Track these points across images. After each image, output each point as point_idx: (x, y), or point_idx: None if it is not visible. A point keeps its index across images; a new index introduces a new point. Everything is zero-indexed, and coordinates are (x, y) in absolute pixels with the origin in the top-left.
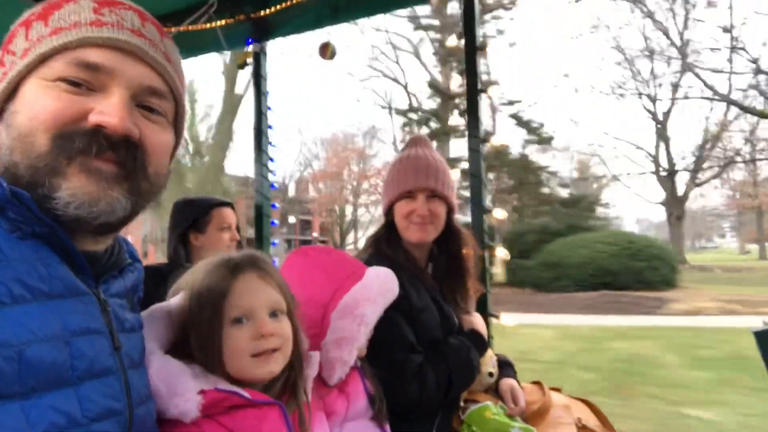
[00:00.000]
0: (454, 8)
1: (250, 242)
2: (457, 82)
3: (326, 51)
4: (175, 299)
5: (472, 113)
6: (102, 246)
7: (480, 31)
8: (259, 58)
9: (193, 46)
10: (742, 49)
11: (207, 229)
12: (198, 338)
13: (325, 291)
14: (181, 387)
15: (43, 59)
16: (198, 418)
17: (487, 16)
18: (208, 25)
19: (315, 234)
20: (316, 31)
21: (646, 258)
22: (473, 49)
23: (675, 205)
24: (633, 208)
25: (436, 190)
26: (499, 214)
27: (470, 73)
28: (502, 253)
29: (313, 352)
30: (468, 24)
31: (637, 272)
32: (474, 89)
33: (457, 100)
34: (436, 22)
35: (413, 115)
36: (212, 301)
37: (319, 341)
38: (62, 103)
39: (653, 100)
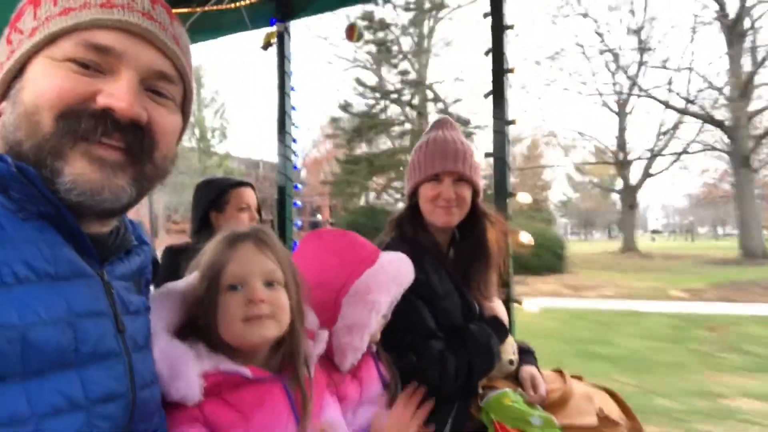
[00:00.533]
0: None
1: (270, 225)
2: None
3: (353, 33)
4: (188, 278)
5: (497, 95)
6: (107, 228)
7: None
8: (283, 38)
9: (218, 26)
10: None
11: (226, 208)
12: (200, 309)
13: (339, 276)
14: (183, 371)
15: (52, 39)
16: (200, 399)
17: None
18: (232, 5)
19: (320, 216)
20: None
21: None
22: (500, 28)
23: (629, 194)
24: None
25: (463, 174)
26: (525, 197)
27: (496, 53)
28: (526, 237)
29: (321, 330)
30: (495, 2)
31: (520, 259)
32: (500, 70)
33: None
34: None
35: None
36: (212, 272)
37: (330, 326)
38: (70, 83)
39: (617, 93)
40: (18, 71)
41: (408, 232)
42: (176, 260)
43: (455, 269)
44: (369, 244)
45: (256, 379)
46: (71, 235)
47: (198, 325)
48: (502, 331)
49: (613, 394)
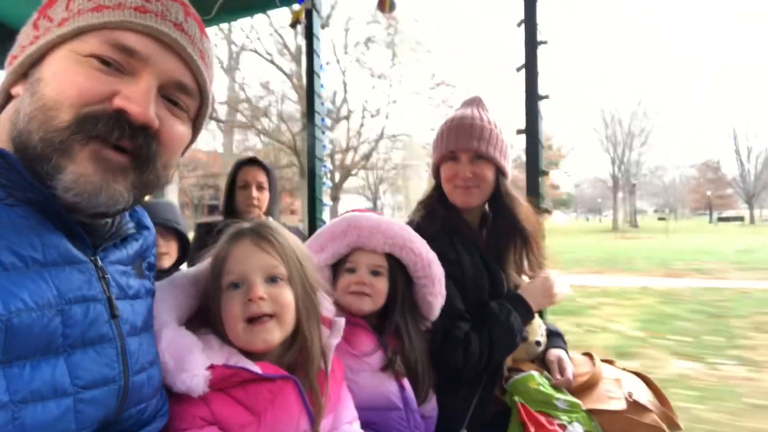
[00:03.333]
0: None
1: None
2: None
3: (384, 4)
4: (199, 264)
5: (529, 68)
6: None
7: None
8: (311, 15)
9: (247, 5)
10: None
11: (235, 189)
12: (209, 305)
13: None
14: (189, 363)
15: (79, 32)
16: (207, 393)
17: None
18: None
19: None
20: None
21: None
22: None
23: None
24: None
25: (479, 151)
26: (557, 176)
27: (528, 24)
28: (560, 218)
29: (338, 318)
30: None
31: None
32: (533, 42)
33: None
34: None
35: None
36: (215, 270)
37: None
38: (91, 82)
39: None
40: (39, 57)
41: (436, 210)
42: (205, 237)
43: (488, 249)
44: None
45: (267, 376)
46: (61, 221)
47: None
48: (526, 310)
49: (646, 379)
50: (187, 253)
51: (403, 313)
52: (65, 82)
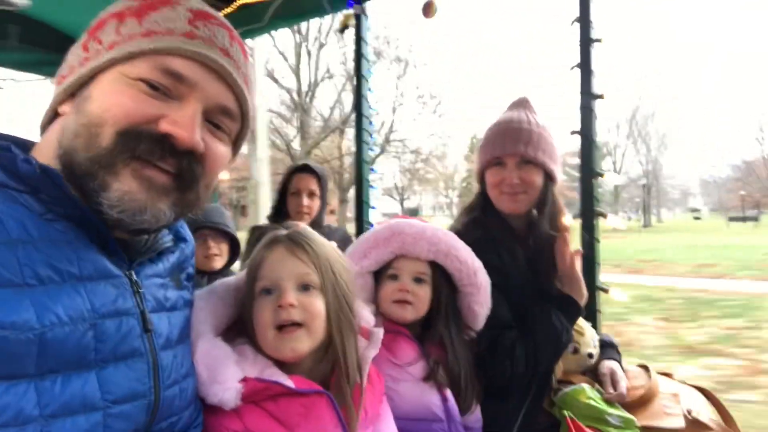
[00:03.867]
0: None
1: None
2: None
3: (430, 10)
4: (240, 273)
5: (584, 67)
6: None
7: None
8: (360, 20)
9: (298, 12)
10: None
11: (287, 195)
12: (244, 312)
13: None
14: (221, 375)
15: (130, 57)
16: (240, 406)
17: None
18: None
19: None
20: None
21: None
22: None
23: None
24: None
25: (526, 156)
26: (614, 179)
27: (583, 20)
28: (616, 221)
29: (376, 329)
30: None
31: None
32: (587, 39)
33: None
34: None
35: None
36: (250, 276)
37: None
38: (137, 104)
39: None
40: (88, 78)
41: (480, 218)
42: (256, 242)
43: (534, 257)
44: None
45: (300, 391)
46: (98, 235)
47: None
48: (570, 308)
49: (708, 394)
50: (237, 254)
51: (447, 321)
52: (112, 101)
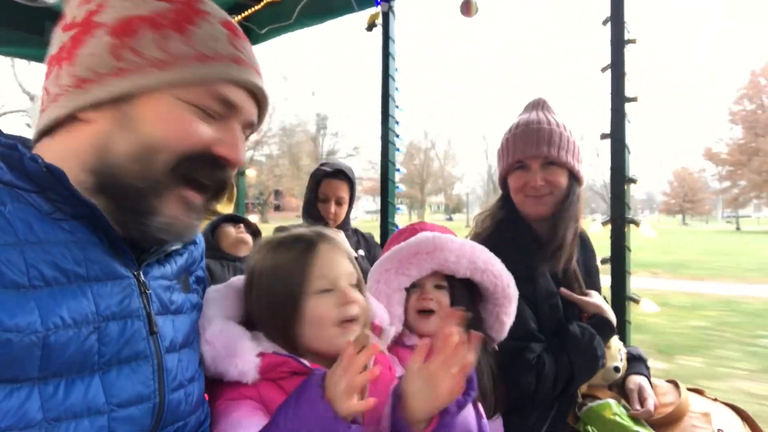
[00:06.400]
0: None
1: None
2: None
3: (470, 8)
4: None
5: (616, 68)
6: None
7: None
8: (387, 18)
9: (325, 10)
10: None
11: (317, 198)
12: (271, 310)
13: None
14: (240, 348)
15: (186, 84)
16: (258, 381)
17: None
18: None
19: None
20: None
21: None
22: None
23: None
24: None
25: (550, 157)
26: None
27: (615, 20)
28: (647, 230)
29: (390, 327)
30: None
31: None
32: (619, 39)
33: None
34: None
35: None
36: (291, 279)
37: None
38: (196, 130)
39: None
40: (131, 95)
41: (504, 225)
42: None
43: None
44: (414, 230)
45: (316, 370)
46: (106, 235)
47: (253, 321)
48: (606, 330)
49: (743, 414)
50: None
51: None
52: (171, 126)
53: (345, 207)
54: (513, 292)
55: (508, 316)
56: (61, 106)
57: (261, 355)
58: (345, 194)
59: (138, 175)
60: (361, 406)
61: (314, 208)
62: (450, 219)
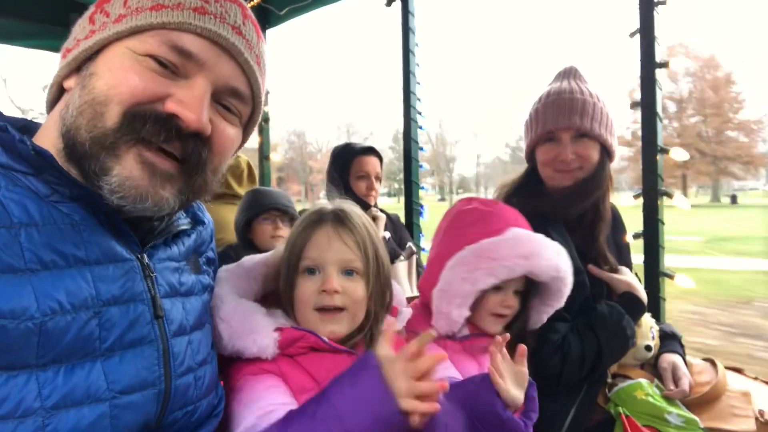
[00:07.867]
0: None
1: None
2: None
3: None
4: (275, 250)
5: (645, 33)
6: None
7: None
8: None
9: None
10: None
11: (349, 177)
12: (282, 284)
13: (451, 245)
14: (257, 324)
15: (137, 31)
16: (277, 356)
17: None
18: None
19: None
20: None
21: None
22: None
23: None
24: None
25: (581, 128)
26: (679, 154)
27: None
28: (680, 202)
29: (406, 309)
30: None
31: None
32: (649, 3)
33: None
34: None
35: None
36: (292, 251)
37: (430, 290)
38: (144, 82)
39: None
40: (94, 52)
41: (528, 198)
42: None
43: (584, 241)
44: (500, 218)
45: (333, 348)
46: (107, 219)
47: (277, 297)
48: (637, 309)
49: None
50: None
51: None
52: (118, 78)
53: (379, 184)
54: (567, 294)
55: (549, 313)
56: (53, 79)
57: (279, 330)
58: (380, 171)
59: (88, 132)
60: (425, 408)
61: (346, 188)
62: (443, 200)
